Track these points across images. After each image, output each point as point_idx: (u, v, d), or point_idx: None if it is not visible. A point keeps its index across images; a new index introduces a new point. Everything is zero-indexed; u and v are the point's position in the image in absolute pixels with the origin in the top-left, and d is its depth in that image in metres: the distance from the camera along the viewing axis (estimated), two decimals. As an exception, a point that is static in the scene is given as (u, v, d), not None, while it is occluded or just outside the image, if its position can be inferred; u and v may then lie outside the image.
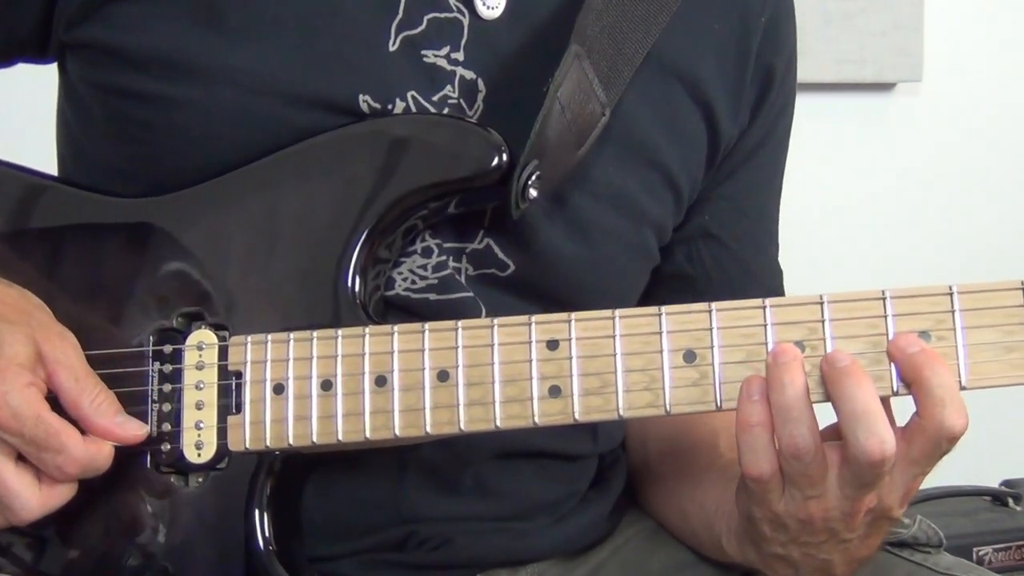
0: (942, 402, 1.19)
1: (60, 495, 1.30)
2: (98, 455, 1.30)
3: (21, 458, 1.28)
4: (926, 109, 3.49)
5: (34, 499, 1.28)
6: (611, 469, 1.64)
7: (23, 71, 1.58)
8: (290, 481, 1.38)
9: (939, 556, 1.54)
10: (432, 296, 1.41)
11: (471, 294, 1.42)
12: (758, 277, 1.62)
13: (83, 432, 1.30)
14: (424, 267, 1.41)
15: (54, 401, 1.29)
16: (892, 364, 1.22)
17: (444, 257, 1.41)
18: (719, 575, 1.55)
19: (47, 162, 1.53)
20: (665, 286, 1.58)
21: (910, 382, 1.21)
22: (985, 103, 3.51)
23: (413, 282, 1.41)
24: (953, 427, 1.20)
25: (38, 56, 1.51)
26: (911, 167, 3.47)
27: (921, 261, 3.30)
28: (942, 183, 3.48)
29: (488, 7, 1.41)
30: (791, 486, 1.25)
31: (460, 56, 1.40)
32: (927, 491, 2.84)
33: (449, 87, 1.40)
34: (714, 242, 1.60)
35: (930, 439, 1.21)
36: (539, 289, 1.44)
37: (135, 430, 1.32)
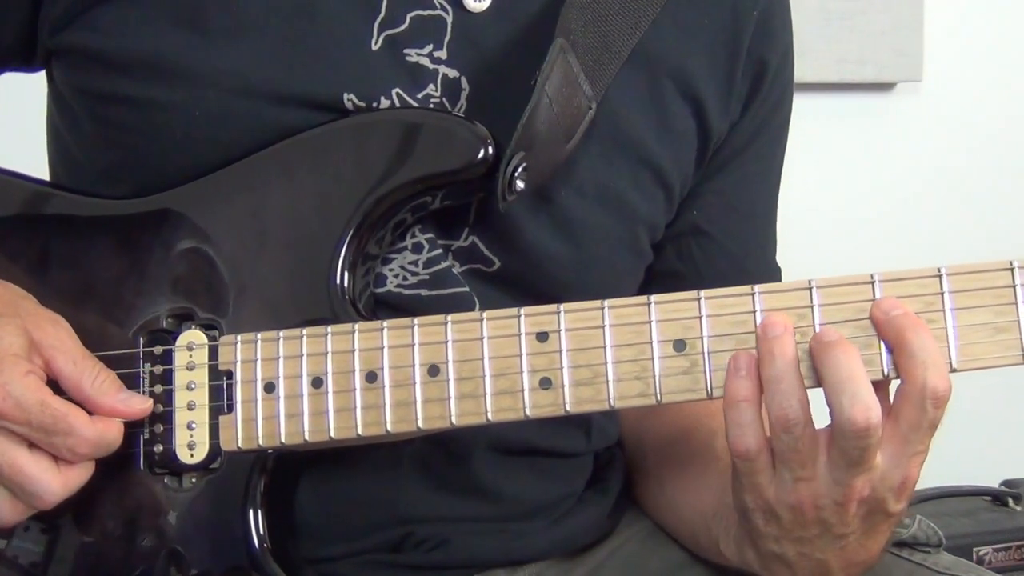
0: (924, 364, 1.19)
1: (79, 475, 1.30)
2: (107, 432, 1.30)
3: (34, 445, 1.28)
4: (926, 109, 3.48)
5: (55, 482, 1.28)
6: (608, 469, 1.64)
7: (14, 80, 1.58)
8: (284, 479, 1.38)
9: (939, 556, 1.53)
10: (424, 292, 1.41)
11: (466, 288, 1.42)
12: (753, 275, 1.60)
13: (89, 413, 1.30)
14: (415, 263, 1.41)
15: (55, 387, 1.29)
16: (881, 343, 1.21)
17: (437, 252, 1.41)
18: (717, 575, 1.54)
19: (40, 170, 1.53)
20: (657, 284, 1.56)
21: (892, 346, 1.20)
22: (985, 103, 3.51)
23: (404, 278, 1.40)
24: (936, 388, 1.19)
25: (24, 64, 1.51)
26: (911, 167, 3.46)
27: (921, 260, 3.28)
28: (942, 183, 3.48)
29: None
30: (781, 466, 1.23)
31: (443, 55, 1.40)
32: (927, 491, 2.85)
33: (432, 86, 1.40)
34: (704, 238, 1.59)
35: (915, 405, 1.19)
36: (526, 286, 1.44)
37: (140, 404, 1.33)
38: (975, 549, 2.75)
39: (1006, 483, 2.99)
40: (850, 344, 1.20)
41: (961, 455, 3.18)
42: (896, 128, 3.47)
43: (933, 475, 2.89)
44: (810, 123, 3.20)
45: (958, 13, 3.48)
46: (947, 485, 2.89)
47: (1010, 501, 2.89)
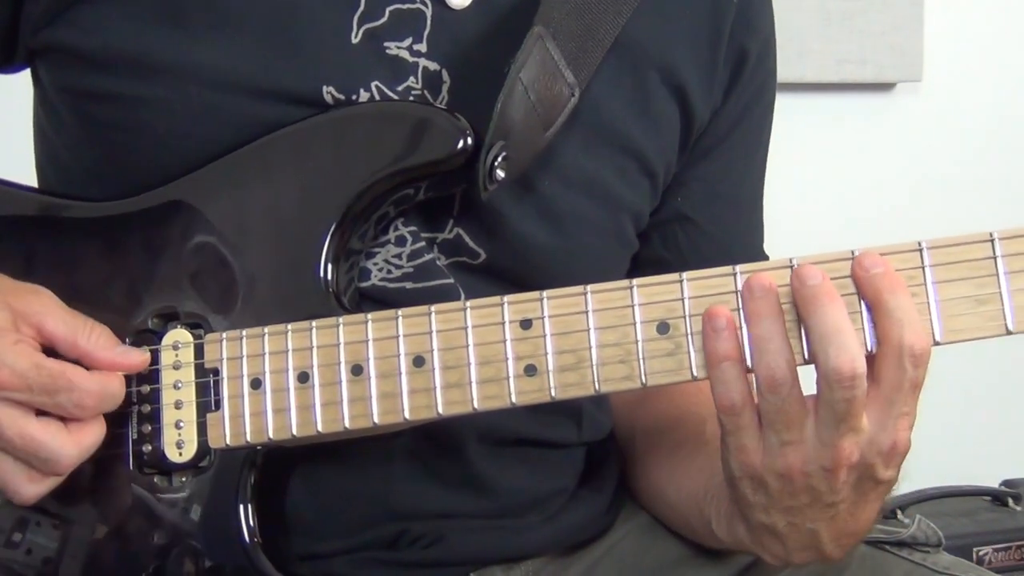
0: (900, 323, 1.18)
1: (92, 434, 1.30)
2: (109, 383, 1.30)
3: (40, 412, 1.28)
4: (926, 109, 3.49)
5: (69, 444, 1.28)
6: (603, 466, 1.63)
7: (2, 83, 1.59)
8: (274, 475, 1.38)
9: (939, 556, 1.53)
10: (408, 285, 1.41)
11: (451, 280, 1.42)
12: (739, 260, 1.60)
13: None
14: (399, 256, 1.41)
15: (52, 354, 1.30)
16: (865, 318, 1.20)
17: (420, 244, 1.41)
18: (714, 571, 1.54)
19: (27, 172, 1.54)
20: (642, 272, 1.55)
21: (871, 305, 1.20)
22: (985, 103, 3.51)
23: (388, 272, 1.40)
24: (913, 345, 1.18)
25: (4, 65, 1.52)
26: (911, 167, 3.46)
27: (922, 258, 3.30)
28: (942, 183, 3.47)
29: None
30: (768, 429, 1.23)
31: (423, 48, 1.40)
32: (927, 491, 2.86)
33: (412, 78, 1.40)
34: (689, 225, 1.59)
35: (894, 364, 1.19)
36: (512, 277, 1.43)
37: (138, 356, 1.33)
38: (975, 549, 2.75)
39: (1006, 483, 3.00)
40: (834, 292, 1.20)
41: (961, 455, 3.17)
42: (896, 128, 3.47)
43: (933, 475, 2.89)
44: (810, 123, 3.21)
45: (958, 13, 3.48)
46: (947, 485, 2.90)
47: (1010, 501, 2.90)
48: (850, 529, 1.31)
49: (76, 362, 1.30)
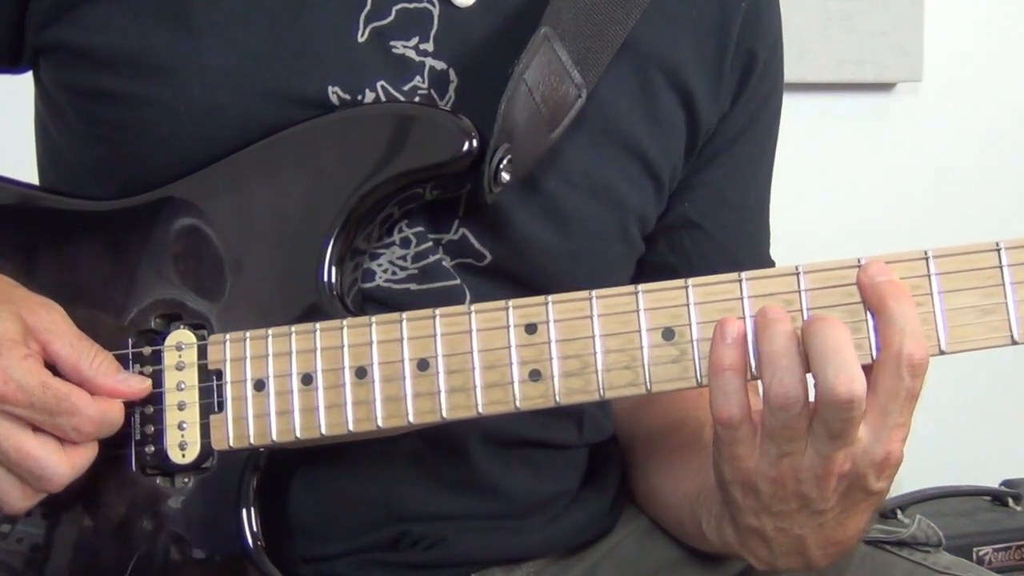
0: (902, 331, 1.17)
1: (85, 455, 1.30)
2: (110, 411, 1.30)
3: (38, 428, 1.28)
4: (926, 109, 3.48)
5: (63, 463, 1.28)
6: (605, 466, 1.63)
7: (2, 83, 1.58)
8: (277, 478, 1.38)
9: (938, 555, 1.53)
10: (413, 286, 1.40)
11: (457, 281, 1.42)
12: (745, 267, 1.59)
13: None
14: (404, 257, 1.40)
15: (53, 372, 1.29)
16: (869, 327, 1.20)
17: (426, 245, 1.41)
18: (714, 574, 1.54)
19: (28, 171, 1.53)
20: (649, 277, 1.54)
21: (874, 312, 1.20)
22: (985, 103, 3.51)
23: (393, 273, 1.40)
24: (912, 354, 1.17)
25: (11, 65, 1.51)
26: (911, 167, 3.46)
27: (921, 259, 3.30)
28: (942, 183, 3.47)
29: None
30: (769, 441, 1.22)
31: (429, 47, 1.40)
32: (927, 491, 2.86)
33: (419, 78, 1.39)
34: (696, 230, 1.58)
35: (892, 372, 1.18)
36: (518, 278, 1.43)
37: (139, 384, 1.33)
38: (975, 549, 2.76)
39: (1006, 483, 3.00)
40: (838, 320, 1.19)
41: (961, 455, 3.17)
42: (896, 128, 3.47)
43: (933, 475, 2.89)
44: (810, 123, 3.21)
45: (958, 13, 3.48)
46: (947, 485, 2.90)
47: (1010, 501, 2.90)
48: (837, 538, 1.31)
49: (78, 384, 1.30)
